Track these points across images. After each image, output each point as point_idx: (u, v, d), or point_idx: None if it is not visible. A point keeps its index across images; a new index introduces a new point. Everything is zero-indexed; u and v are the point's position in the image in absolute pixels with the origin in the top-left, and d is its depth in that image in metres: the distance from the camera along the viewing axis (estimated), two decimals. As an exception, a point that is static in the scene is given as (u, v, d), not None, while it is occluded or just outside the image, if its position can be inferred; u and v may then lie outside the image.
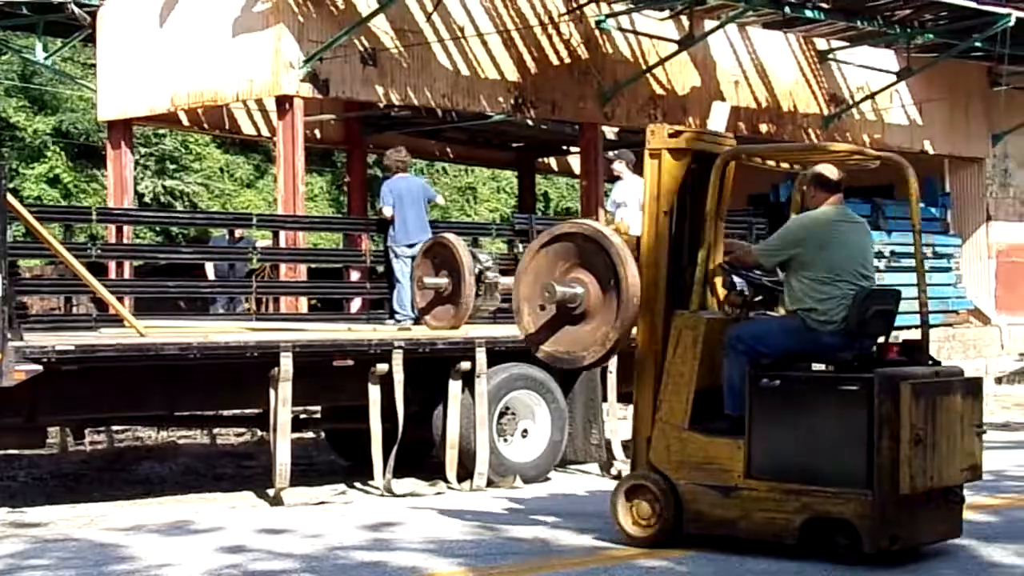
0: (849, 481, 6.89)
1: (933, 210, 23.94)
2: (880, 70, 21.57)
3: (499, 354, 10.38)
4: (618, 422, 11.20)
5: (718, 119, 15.58)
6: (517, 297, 7.99)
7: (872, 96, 21.53)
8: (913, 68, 21.32)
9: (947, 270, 23.64)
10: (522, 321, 7.94)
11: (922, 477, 6.85)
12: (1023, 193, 24.89)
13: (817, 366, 7.45)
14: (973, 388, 7.33)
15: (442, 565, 7.10)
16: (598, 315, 7.62)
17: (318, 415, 12.05)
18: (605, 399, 10.98)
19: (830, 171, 7.62)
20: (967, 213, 24.35)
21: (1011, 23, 18.73)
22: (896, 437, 6.76)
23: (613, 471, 10.71)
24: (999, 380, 19.89)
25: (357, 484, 10.25)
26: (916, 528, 7.03)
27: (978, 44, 20.16)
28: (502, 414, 10.50)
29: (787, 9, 17.82)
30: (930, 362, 7.32)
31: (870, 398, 6.84)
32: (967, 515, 7.56)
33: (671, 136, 7.67)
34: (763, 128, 20.23)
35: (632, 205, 13.26)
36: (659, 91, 18.66)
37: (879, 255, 22.40)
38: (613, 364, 10.79)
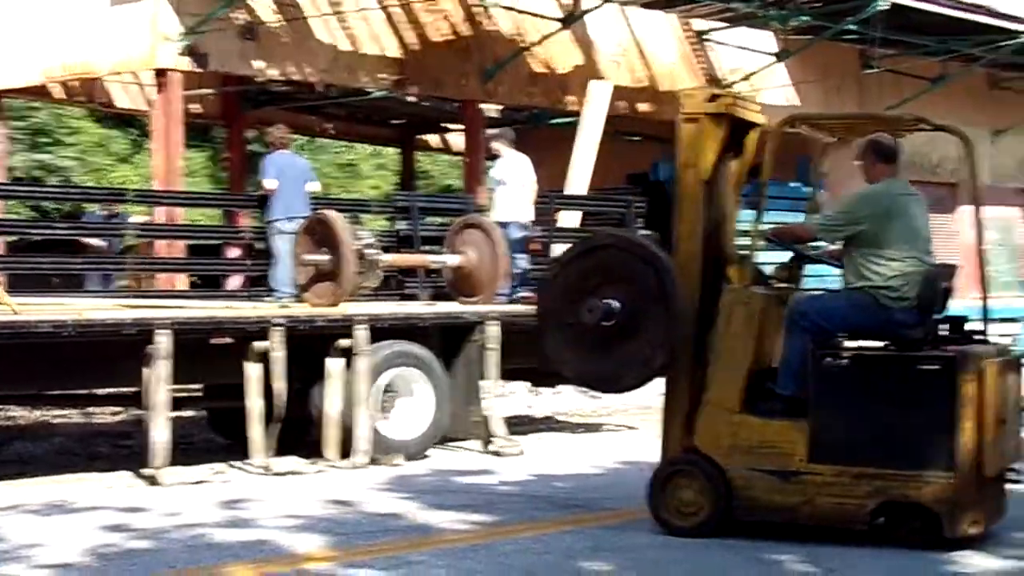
0: (928, 464, 6.63)
1: (807, 189, 24.43)
2: (757, 51, 21.91)
3: (380, 331, 10.37)
4: (498, 399, 11.26)
5: (599, 98, 15.76)
6: (542, 312, 7.42)
7: (749, 77, 21.86)
8: (789, 49, 21.71)
9: (819, 247, 24.11)
10: (546, 339, 7.38)
11: (1001, 458, 6.75)
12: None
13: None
14: (1017, 365, 7.20)
15: (317, 543, 7.09)
16: (638, 334, 7.07)
17: (200, 393, 11.92)
18: (486, 377, 11.03)
19: (889, 141, 7.33)
20: (839, 193, 24.86)
21: (883, 7, 19.15)
22: (980, 418, 6.57)
23: (493, 447, 10.78)
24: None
25: (237, 463, 10.18)
26: (987, 509, 6.85)
27: (852, 27, 20.57)
28: (383, 391, 10.49)
29: (666, -11, 18.01)
30: (979, 338, 7.10)
31: (952, 378, 6.60)
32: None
33: (710, 100, 7.30)
34: (643, 107, 20.42)
35: (514, 183, 13.33)
36: (540, 69, 18.73)
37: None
38: (494, 340, 10.86)
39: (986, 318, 7.24)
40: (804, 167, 24.63)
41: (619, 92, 19.36)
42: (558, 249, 12.36)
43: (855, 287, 7.06)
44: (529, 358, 11.99)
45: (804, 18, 20.73)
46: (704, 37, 21.37)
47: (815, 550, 6.69)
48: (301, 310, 10.89)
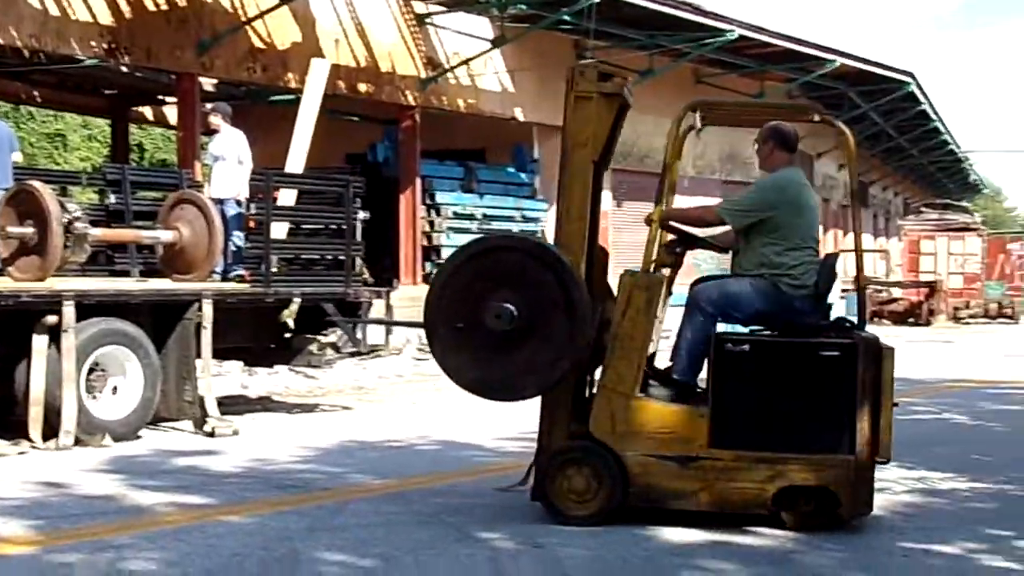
0: (829, 448, 6.71)
1: (523, 175, 24.96)
2: (475, 36, 22.22)
3: (89, 308, 10.04)
4: (212, 379, 11.09)
5: (318, 76, 15.65)
6: (432, 315, 6.98)
7: (467, 62, 22.15)
8: (507, 36, 22.10)
9: (535, 233, 24.68)
10: (436, 343, 7.01)
11: (892, 442, 6.86)
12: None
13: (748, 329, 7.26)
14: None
15: (18, 527, 6.82)
16: (538, 339, 6.79)
17: None
18: (199, 356, 10.84)
19: (790, 128, 7.34)
20: (553, 179, 25.34)
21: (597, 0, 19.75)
22: (879, 403, 6.72)
23: (207, 428, 10.61)
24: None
25: (-69, 444, 9.70)
26: (871, 492, 6.99)
27: (567, 17, 21.11)
28: (91, 370, 10.17)
29: (387, -30, 18.05)
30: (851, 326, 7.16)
31: (852, 364, 6.69)
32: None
33: (602, 79, 7.10)
34: (362, 88, 20.42)
35: (230, 159, 13.12)
36: (259, 44, 18.48)
37: (471, 217, 23.15)
38: (207, 319, 10.68)
39: (861, 308, 7.41)
40: (520, 153, 25.18)
41: (339, 71, 19.31)
42: (276, 228, 12.24)
43: (756, 273, 7.08)
44: (243, 337, 11.95)
45: (521, 6, 21.16)
46: (424, 20, 21.52)
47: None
48: (4, 285, 10.43)
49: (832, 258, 7.60)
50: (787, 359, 6.87)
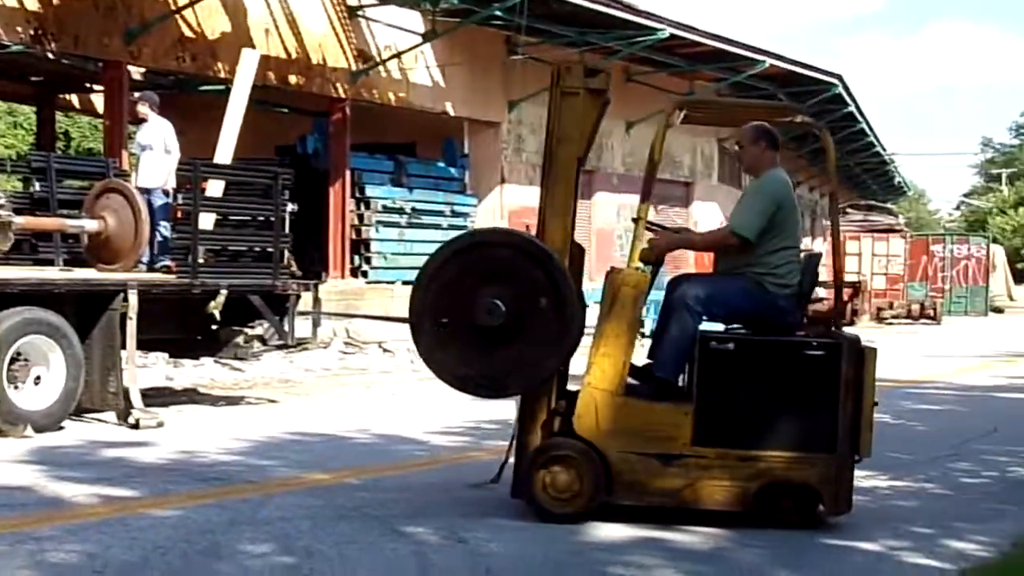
0: (811, 446, 6.77)
1: (453, 170, 24.97)
2: (407, 30, 22.18)
3: (11, 297, 9.91)
4: (137, 370, 10.99)
5: (248, 67, 15.56)
6: (417, 310, 6.87)
7: (399, 55, 22.10)
8: (438, 31, 22.08)
9: (464, 228, 24.72)
10: (421, 338, 6.88)
11: (872, 440, 6.92)
12: (534, 157, 26.37)
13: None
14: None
15: (-61, 519, 6.75)
16: (525, 337, 6.73)
17: None
18: (124, 347, 10.74)
19: (775, 129, 7.35)
20: (484, 175, 25.54)
21: (529, -4, 19.79)
22: (860, 402, 6.78)
23: (131, 419, 10.51)
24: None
25: None
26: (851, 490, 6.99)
27: (498, 13, 21.13)
28: (13, 360, 10.02)
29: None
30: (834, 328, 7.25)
31: (835, 363, 6.75)
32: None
33: (588, 75, 7.03)
34: (292, 79, 20.32)
35: (158, 148, 12.99)
36: (189, 34, 18.33)
37: (400, 211, 23.11)
38: (133, 309, 10.58)
39: (837, 302, 7.48)
40: (451, 147, 25.18)
41: (269, 62, 19.21)
42: (204, 219, 12.14)
43: (739, 272, 7.11)
44: (169, 328, 11.85)
45: (453, 1, 21.15)
46: (355, 12, 21.45)
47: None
48: (-76, 273, 10.27)
49: (816, 258, 7.66)
50: (772, 358, 6.91)
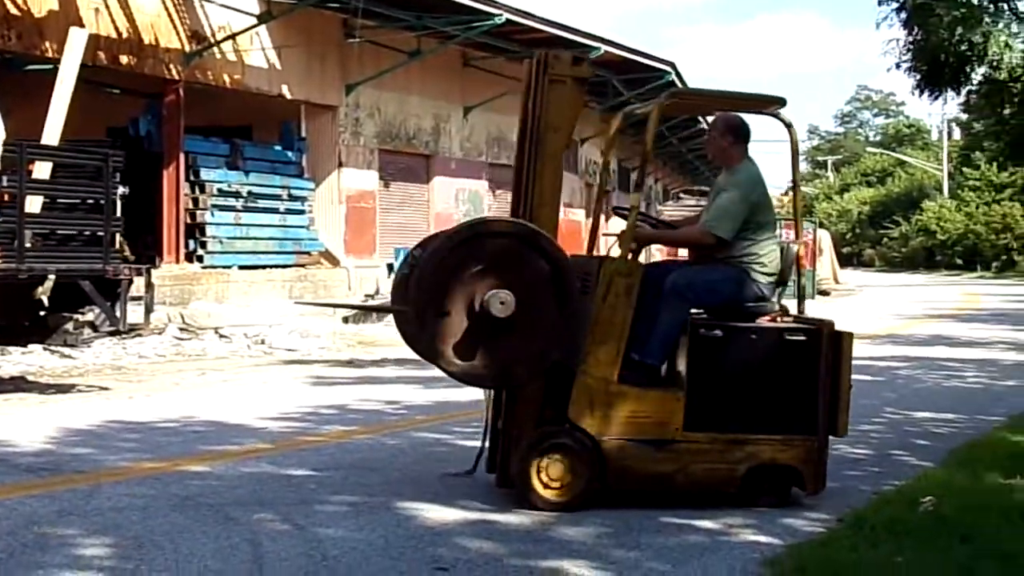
0: (793, 428, 7.01)
1: (290, 154, 24.72)
2: (241, 11, 21.87)
3: None
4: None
5: (76, 46, 15.16)
6: (416, 300, 6.79)
7: (233, 37, 21.78)
8: (273, 12, 21.83)
9: (301, 212, 24.53)
10: (422, 329, 6.81)
11: (848, 420, 7.16)
12: (372, 142, 26.27)
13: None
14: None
15: None
16: (525, 328, 6.68)
17: None
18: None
19: (743, 120, 7.52)
20: (321, 158, 25.35)
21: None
22: (838, 385, 7.03)
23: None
24: (345, 320, 20.91)
25: None
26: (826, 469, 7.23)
27: (336, -5, 20.97)
28: None
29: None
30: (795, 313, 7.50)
31: (816, 347, 6.98)
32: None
33: (575, 64, 7.07)
34: (123, 60, 19.87)
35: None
36: (14, 11, 17.78)
37: (236, 195, 22.80)
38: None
39: (800, 296, 7.68)
40: (287, 131, 24.93)
41: (100, 42, 18.75)
42: (31, 201, 11.80)
43: (729, 261, 7.25)
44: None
45: (289, -18, 20.92)
46: (189, -8, 21.06)
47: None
48: None
49: (793, 247, 7.76)
50: (757, 344, 7.12)
